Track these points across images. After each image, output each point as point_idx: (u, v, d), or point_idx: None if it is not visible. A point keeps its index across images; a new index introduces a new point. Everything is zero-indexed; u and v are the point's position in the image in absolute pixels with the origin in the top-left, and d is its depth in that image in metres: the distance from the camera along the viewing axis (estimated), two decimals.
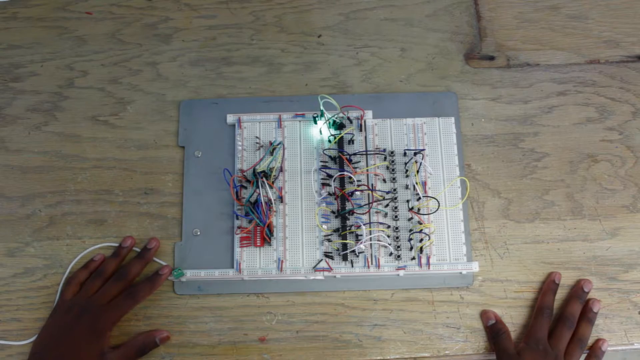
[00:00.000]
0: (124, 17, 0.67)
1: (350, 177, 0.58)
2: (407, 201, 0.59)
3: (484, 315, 0.57)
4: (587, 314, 0.56)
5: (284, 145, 0.60)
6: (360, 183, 0.59)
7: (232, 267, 0.57)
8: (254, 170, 0.58)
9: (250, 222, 0.58)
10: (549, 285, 0.57)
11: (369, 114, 0.61)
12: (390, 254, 0.57)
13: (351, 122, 0.61)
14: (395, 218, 0.58)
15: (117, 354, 0.53)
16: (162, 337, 0.55)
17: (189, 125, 0.62)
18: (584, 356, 0.56)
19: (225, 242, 0.58)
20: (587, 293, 0.57)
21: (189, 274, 0.57)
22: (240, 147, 0.60)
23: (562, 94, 0.63)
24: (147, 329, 0.56)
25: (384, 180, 0.59)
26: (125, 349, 0.54)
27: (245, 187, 0.59)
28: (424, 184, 0.59)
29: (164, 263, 0.58)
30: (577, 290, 0.57)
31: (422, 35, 0.66)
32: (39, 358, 0.53)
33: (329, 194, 0.59)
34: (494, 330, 0.56)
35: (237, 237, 0.58)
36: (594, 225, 0.59)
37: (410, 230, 0.58)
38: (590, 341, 0.56)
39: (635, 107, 0.63)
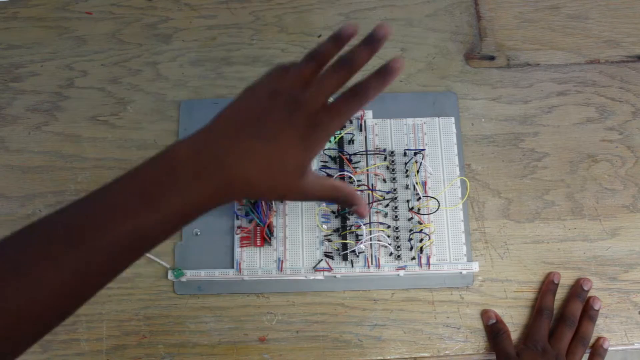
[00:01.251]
0: (124, 17, 0.67)
1: (350, 177, 0.58)
2: (407, 201, 0.59)
3: (484, 314, 0.57)
4: (588, 312, 0.56)
5: None
6: (360, 183, 0.59)
7: (232, 267, 0.57)
8: None
9: (250, 222, 0.58)
10: (547, 285, 0.57)
11: (369, 114, 0.61)
12: (390, 254, 0.57)
13: (351, 122, 0.61)
14: (395, 218, 0.58)
15: (318, 182, 0.42)
16: (361, 206, 0.45)
17: (189, 125, 0.62)
18: (587, 356, 0.56)
19: (225, 242, 0.58)
20: (587, 292, 0.57)
21: (189, 274, 0.57)
22: None
23: (562, 94, 0.63)
24: (147, 329, 0.56)
25: (384, 180, 0.59)
26: (326, 184, 0.43)
27: None
28: (424, 184, 0.59)
29: (166, 265, 0.58)
30: (577, 289, 0.57)
31: (422, 35, 0.66)
32: (223, 137, 0.39)
33: None
34: (494, 330, 0.56)
35: (237, 237, 0.58)
36: (594, 225, 0.59)
37: (410, 230, 0.58)
38: (594, 341, 0.56)
39: (635, 107, 0.63)
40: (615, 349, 0.57)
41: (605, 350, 0.56)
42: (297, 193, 0.41)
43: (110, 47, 0.66)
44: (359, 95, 0.39)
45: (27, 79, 0.65)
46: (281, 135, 0.38)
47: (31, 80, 0.65)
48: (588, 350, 0.56)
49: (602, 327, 0.57)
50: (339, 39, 0.41)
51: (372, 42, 0.40)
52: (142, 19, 0.67)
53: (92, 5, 0.67)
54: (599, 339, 0.56)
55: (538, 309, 0.56)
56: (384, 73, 0.39)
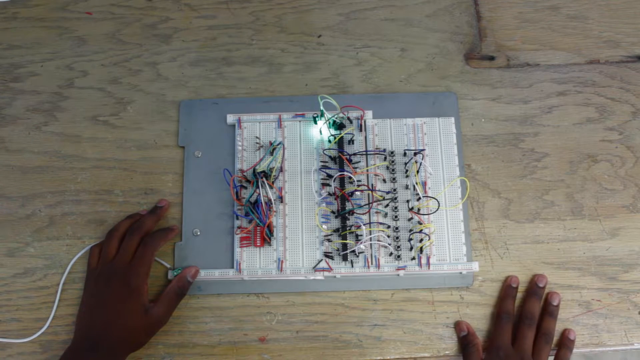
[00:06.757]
0: (124, 17, 0.67)
1: (350, 177, 0.58)
2: (407, 201, 0.59)
3: (457, 326, 0.56)
4: (547, 309, 0.56)
5: (284, 146, 0.60)
6: (360, 183, 0.59)
7: (232, 267, 0.57)
8: (254, 170, 0.58)
9: (250, 222, 0.58)
10: (506, 290, 0.57)
11: (369, 114, 0.61)
12: (390, 254, 0.57)
13: (351, 122, 0.61)
14: (395, 218, 0.58)
15: (159, 306, 0.54)
16: (192, 274, 0.56)
17: (189, 125, 0.62)
18: None
19: (225, 242, 0.58)
20: (543, 288, 0.57)
21: None
22: (240, 147, 0.60)
23: (562, 94, 0.63)
24: None
25: (384, 181, 0.59)
26: (164, 298, 0.55)
27: (245, 187, 0.59)
28: (424, 184, 0.59)
29: (166, 264, 0.58)
30: (532, 287, 0.57)
31: (422, 35, 0.66)
32: (86, 331, 0.53)
33: (329, 194, 0.59)
34: (464, 342, 0.56)
35: (237, 237, 0.58)
36: (594, 225, 0.59)
37: (410, 230, 0.58)
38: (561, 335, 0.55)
39: (635, 107, 0.63)
40: (615, 349, 0.57)
41: (572, 341, 0.55)
42: (154, 323, 0.54)
43: (110, 47, 0.66)
44: (147, 243, 0.55)
45: (27, 79, 0.65)
46: (113, 301, 0.53)
47: (31, 80, 0.65)
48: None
49: (602, 327, 0.57)
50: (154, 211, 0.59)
51: (156, 211, 0.58)
52: (142, 19, 0.67)
53: (92, 5, 0.67)
54: (564, 331, 0.56)
55: (497, 315, 0.56)
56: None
